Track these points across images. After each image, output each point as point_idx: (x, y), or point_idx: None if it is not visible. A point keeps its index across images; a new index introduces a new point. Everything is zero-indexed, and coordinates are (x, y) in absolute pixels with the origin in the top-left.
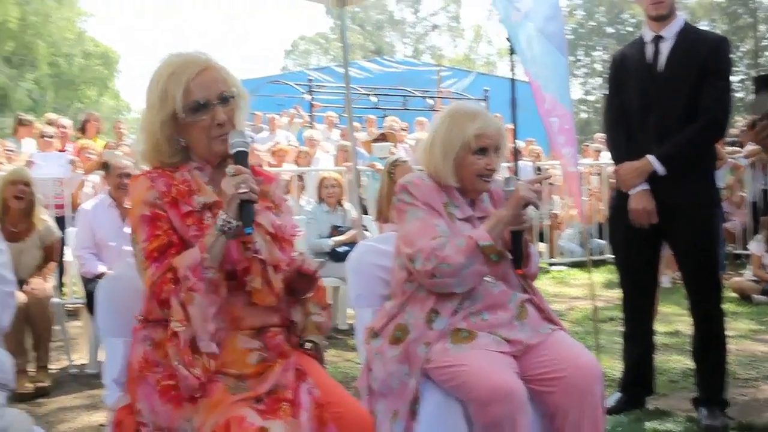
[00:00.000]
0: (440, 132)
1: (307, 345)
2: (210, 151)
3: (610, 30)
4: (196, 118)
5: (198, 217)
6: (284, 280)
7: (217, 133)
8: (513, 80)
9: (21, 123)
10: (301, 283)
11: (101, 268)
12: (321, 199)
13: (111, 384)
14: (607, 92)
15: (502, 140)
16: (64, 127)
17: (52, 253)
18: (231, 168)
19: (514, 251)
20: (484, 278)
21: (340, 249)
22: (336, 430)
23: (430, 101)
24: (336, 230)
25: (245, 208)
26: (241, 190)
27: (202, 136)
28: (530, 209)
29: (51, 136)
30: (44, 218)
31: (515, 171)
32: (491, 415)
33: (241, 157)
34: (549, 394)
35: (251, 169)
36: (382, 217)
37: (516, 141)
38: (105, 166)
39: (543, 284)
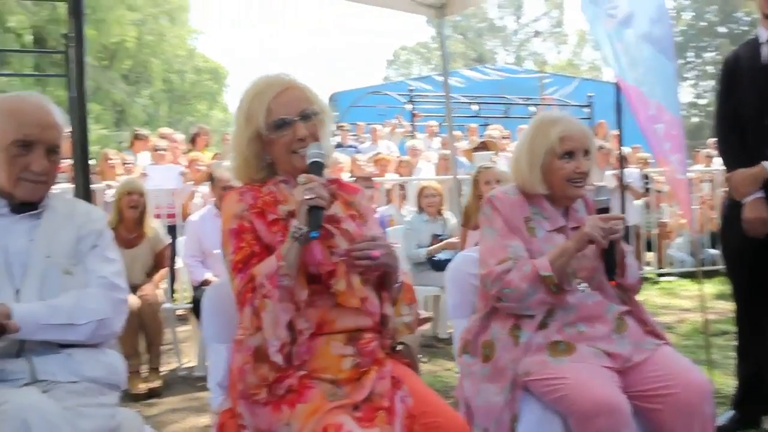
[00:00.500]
0: (525, 141)
1: (399, 347)
2: (291, 165)
3: (722, 30)
4: (278, 134)
5: (283, 224)
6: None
7: (297, 148)
8: (618, 85)
9: (137, 137)
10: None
11: (207, 275)
12: (421, 209)
13: (215, 388)
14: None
15: (588, 143)
16: (176, 140)
17: (162, 260)
18: (302, 177)
19: (606, 262)
20: (579, 287)
21: (441, 258)
22: None
23: (533, 109)
24: (436, 239)
25: (313, 214)
26: (307, 196)
27: (284, 151)
28: (634, 213)
29: (164, 149)
30: (154, 226)
31: (621, 178)
32: (594, 430)
33: (316, 168)
34: (655, 411)
35: (337, 181)
36: (470, 224)
37: (621, 147)
38: (211, 178)
39: (651, 295)
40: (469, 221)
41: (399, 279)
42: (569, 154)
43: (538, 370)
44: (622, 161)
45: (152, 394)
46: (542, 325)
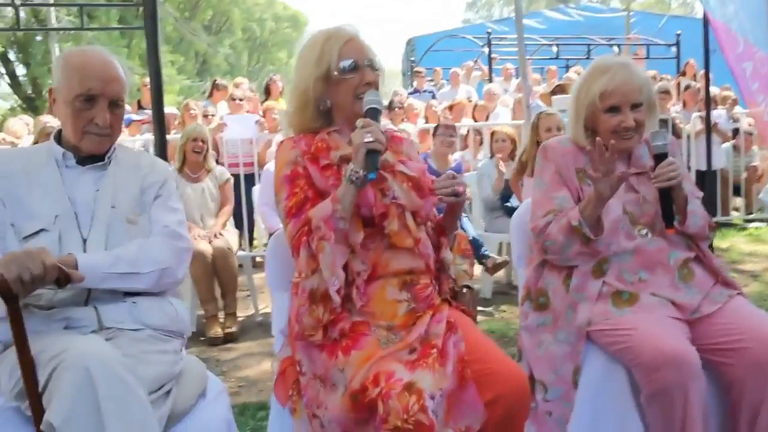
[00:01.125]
0: (573, 93)
1: (463, 290)
2: (353, 110)
3: None
4: (347, 76)
5: (336, 169)
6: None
7: (362, 92)
8: (705, 20)
9: (216, 87)
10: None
11: (275, 221)
12: (493, 154)
13: (278, 335)
14: None
15: (637, 96)
16: (252, 90)
17: (226, 194)
18: (360, 121)
19: (663, 208)
20: (640, 233)
21: (514, 204)
22: (478, 388)
23: (616, 49)
24: (508, 185)
25: (370, 157)
26: (367, 139)
27: (349, 94)
28: (721, 157)
29: (240, 99)
30: (214, 163)
31: (707, 120)
32: (660, 382)
33: (372, 114)
34: (725, 365)
35: (387, 133)
36: (526, 172)
37: (709, 87)
38: None
39: (737, 242)
40: (524, 169)
41: (456, 227)
42: (613, 109)
43: (601, 320)
44: (709, 102)
45: (229, 338)
46: (598, 272)
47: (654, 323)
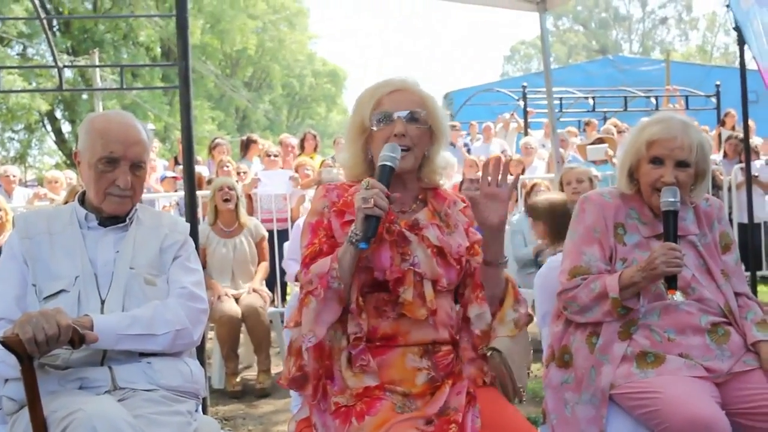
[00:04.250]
0: (624, 139)
1: (489, 353)
2: None
3: None
4: (380, 127)
5: None
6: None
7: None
8: (743, 69)
9: (249, 143)
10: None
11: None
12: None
13: (295, 395)
14: None
15: (685, 154)
16: (293, 146)
17: (263, 250)
18: (365, 181)
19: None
20: (674, 298)
21: None
22: None
23: (653, 101)
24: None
25: (367, 222)
26: (364, 205)
27: (380, 146)
28: (763, 208)
29: (275, 155)
30: (251, 218)
31: (747, 171)
32: None
33: (384, 172)
34: (757, 430)
35: (434, 189)
36: None
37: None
38: (319, 183)
39: None
40: None
41: (504, 258)
42: (657, 161)
43: (623, 382)
44: (749, 153)
45: (261, 394)
46: (624, 335)
47: (682, 386)
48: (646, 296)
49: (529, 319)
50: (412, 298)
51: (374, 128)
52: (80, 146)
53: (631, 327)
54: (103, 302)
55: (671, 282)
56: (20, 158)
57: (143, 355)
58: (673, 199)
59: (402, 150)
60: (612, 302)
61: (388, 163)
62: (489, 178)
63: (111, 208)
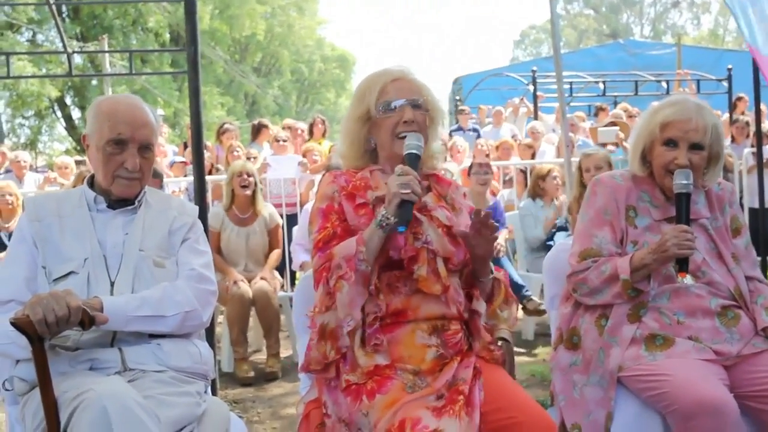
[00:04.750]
0: (637, 121)
1: (499, 342)
2: (392, 149)
3: None
4: (386, 115)
5: (370, 209)
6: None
7: (401, 131)
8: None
9: (259, 128)
10: (476, 263)
11: (303, 259)
12: (537, 194)
13: (304, 377)
14: None
15: (699, 136)
16: (301, 130)
17: (276, 238)
18: (399, 168)
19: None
20: (684, 281)
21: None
22: None
23: (665, 85)
24: (553, 224)
25: (404, 207)
26: (403, 190)
27: (389, 133)
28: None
29: (284, 140)
30: (267, 206)
31: (758, 155)
32: (697, 430)
33: (412, 160)
34: (765, 412)
35: (435, 176)
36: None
37: (760, 122)
38: (327, 168)
39: None
40: (574, 211)
41: (490, 273)
42: (671, 143)
43: (632, 364)
44: (760, 137)
45: (270, 378)
46: (634, 317)
47: (691, 368)
48: (657, 279)
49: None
50: (427, 275)
51: (380, 116)
52: (88, 129)
53: (641, 309)
54: (112, 284)
55: (682, 264)
56: (31, 144)
57: (153, 336)
58: (686, 182)
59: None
60: (622, 284)
61: (415, 152)
62: (478, 226)
63: (119, 190)
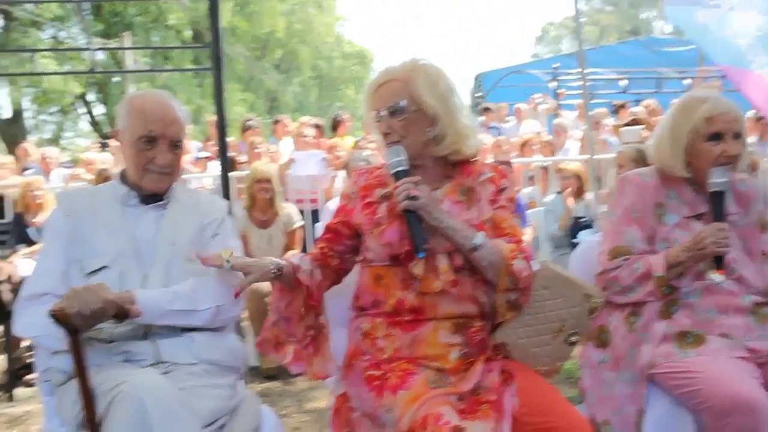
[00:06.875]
0: (669, 120)
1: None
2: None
3: None
4: (376, 125)
5: (375, 207)
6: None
7: (387, 142)
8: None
9: (276, 123)
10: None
11: None
12: (561, 190)
13: (335, 371)
14: None
15: (739, 125)
16: (319, 126)
17: (294, 239)
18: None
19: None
20: (714, 278)
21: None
22: None
23: (688, 81)
24: (577, 222)
25: (413, 223)
26: (402, 204)
27: (382, 144)
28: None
29: (306, 136)
30: (286, 208)
31: None
32: (730, 428)
33: (400, 176)
34: None
35: (459, 164)
36: None
37: None
38: (347, 165)
39: None
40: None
41: (475, 242)
42: (717, 136)
43: (663, 361)
44: None
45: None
46: (665, 314)
47: (723, 366)
48: (689, 276)
49: (525, 299)
50: (424, 273)
51: (374, 126)
52: (120, 125)
53: (672, 306)
54: (145, 278)
55: (719, 262)
56: (55, 140)
57: (185, 329)
58: (722, 179)
59: (394, 144)
60: (656, 281)
61: (398, 169)
62: None
63: (150, 184)
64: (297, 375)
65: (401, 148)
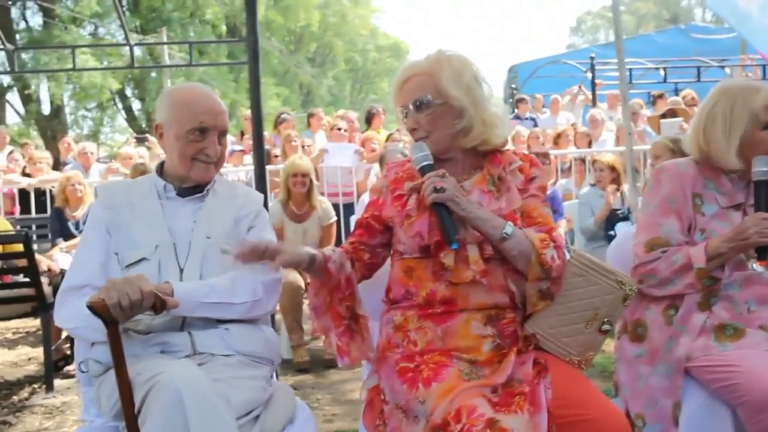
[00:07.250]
0: (718, 109)
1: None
2: None
3: None
4: (404, 121)
5: (405, 200)
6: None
7: (415, 138)
8: None
9: (310, 116)
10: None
11: None
12: (596, 182)
13: (366, 363)
14: None
15: None
16: (352, 120)
17: (329, 234)
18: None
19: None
20: (752, 266)
21: (617, 233)
22: None
23: (728, 71)
24: (614, 214)
25: (442, 216)
26: (429, 198)
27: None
28: None
29: (342, 129)
30: (322, 200)
31: None
32: (767, 423)
33: (426, 171)
34: None
35: (489, 154)
36: None
37: None
38: (381, 159)
39: None
40: None
41: (505, 232)
42: None
43: (700, 355)
44: None
45: (329, 364)
46: (704, 306)
47: (762, 359)
48: (729, 266)
49: (556, 288)
50: (454, 263)
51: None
52: (162, 118)
53: (712, 298)
54: (182, 270)
55: (762, 253)
56: (93, 135)
57: (221, 321)
58: (766, 169)
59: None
60: (697, 273)
61: (423, 164)
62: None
63: (198, 174)
64: (329, 368)
65: (424, 144)
